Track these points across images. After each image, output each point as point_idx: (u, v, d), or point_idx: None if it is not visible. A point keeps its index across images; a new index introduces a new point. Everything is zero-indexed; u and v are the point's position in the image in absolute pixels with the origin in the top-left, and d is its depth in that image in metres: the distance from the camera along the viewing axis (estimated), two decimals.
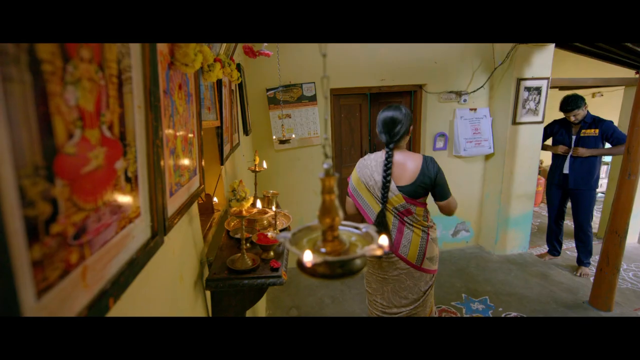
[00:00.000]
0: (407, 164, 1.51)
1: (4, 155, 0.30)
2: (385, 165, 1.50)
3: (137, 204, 0.59)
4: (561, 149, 3.01)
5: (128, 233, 0.56)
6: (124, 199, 0.54)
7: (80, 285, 0.42)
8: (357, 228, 0.49)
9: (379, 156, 1.56)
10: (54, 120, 0.36)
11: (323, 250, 0.44)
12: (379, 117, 1.54)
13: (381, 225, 1.55)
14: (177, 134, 0.87)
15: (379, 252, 0.40)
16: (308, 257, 0.37)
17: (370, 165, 1.57)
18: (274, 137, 2.65)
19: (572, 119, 2.90)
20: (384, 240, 0.42)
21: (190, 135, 1.00)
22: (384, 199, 1.52)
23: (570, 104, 2.87)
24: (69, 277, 0.40)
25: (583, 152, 2.88)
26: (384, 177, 1.50)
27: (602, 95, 4.95)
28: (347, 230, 0.49)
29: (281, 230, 1.37)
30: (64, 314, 0.39)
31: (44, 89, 0.35)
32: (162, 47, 0.74)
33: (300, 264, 0.43)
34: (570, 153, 2.95)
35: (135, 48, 0.57)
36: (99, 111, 0.45)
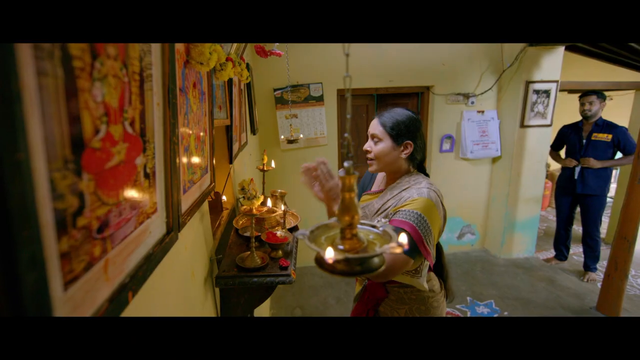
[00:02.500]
0: None
1: (37, 148, 0.31)
2: None
3: (154, 200, 0.60)
4: (570, 162, 2.98)
5: (146, 228, 0.56)
6: (142, 194, 0.55)
7: (103, 278, 0.43)
8: (374, 227, 0.49)
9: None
10: (83, 115, 0.37)
11: (341, 247, 0.44)
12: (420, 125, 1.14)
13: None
14: (191, 131, 0.87)
15: (398, 250, 0.41)
16: (330, 254, 0.37)
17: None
18: (282, 136, 2.65)
19: (587, 106, 2.86)
20: (403, 238, 0.42)
21: (203, 133, 1.01)
22: None
23: (590, 90, 2.88)
24: (92, 270, 0.40)
25: (593, 163, 2.83)
26: None
27: (611, 99, 4.89)
28: (364, 229, 0.49)
29: (290, 229, 1.37)
30: (87, 306, 0.39)
31: (75, 84, 0.36)
32: (179, 46, 0.74)
33: (319, 260, 0.43)
34: (581, 163, 2.91)
35: (156, 46, 0.58)
36: (122, 107, 0.46)
